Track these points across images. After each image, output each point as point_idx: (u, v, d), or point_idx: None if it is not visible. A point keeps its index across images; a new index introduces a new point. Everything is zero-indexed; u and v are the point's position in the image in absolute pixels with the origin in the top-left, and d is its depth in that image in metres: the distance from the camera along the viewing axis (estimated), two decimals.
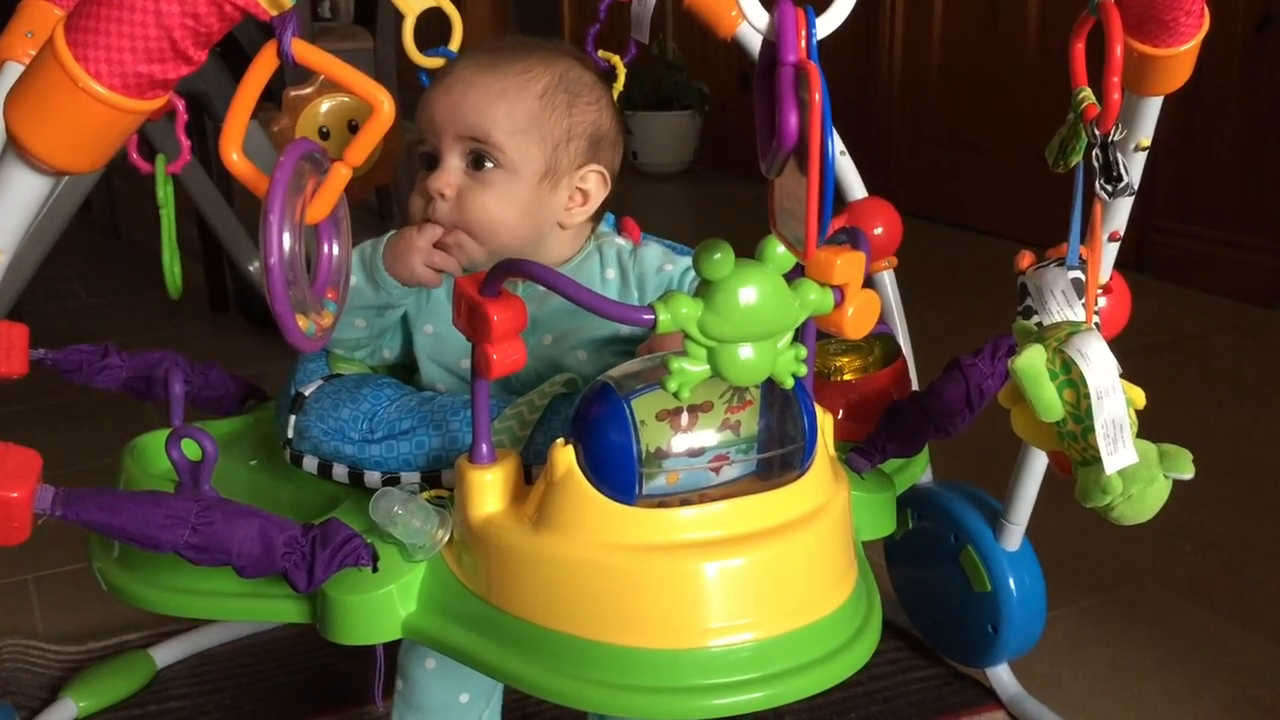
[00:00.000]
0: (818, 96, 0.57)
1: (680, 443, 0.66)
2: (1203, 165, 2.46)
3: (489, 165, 0.86)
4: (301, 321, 0.61)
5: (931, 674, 1.19)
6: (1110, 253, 0.92)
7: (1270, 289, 2.34)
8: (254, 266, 2.21)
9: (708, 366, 0.61)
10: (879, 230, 1.12)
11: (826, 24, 0.64)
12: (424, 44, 0.93)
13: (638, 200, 3.57)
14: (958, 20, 3.06)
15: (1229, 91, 2.38)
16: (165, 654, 1.23)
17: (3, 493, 0.62)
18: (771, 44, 0.62)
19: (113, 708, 1.16)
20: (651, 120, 3.86)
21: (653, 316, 0.60)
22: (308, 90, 1.02)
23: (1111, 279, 0.93)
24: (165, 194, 1.08)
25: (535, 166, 0.87)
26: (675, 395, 0.61)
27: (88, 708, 1.15)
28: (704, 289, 0.61)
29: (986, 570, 1.08)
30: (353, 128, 1.02)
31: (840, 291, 0.65)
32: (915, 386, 1.18)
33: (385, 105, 0.57)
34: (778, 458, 0.69)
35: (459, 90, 0.87)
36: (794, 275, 0.65)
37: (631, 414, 0.65)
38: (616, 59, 1.11)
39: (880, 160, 3.22)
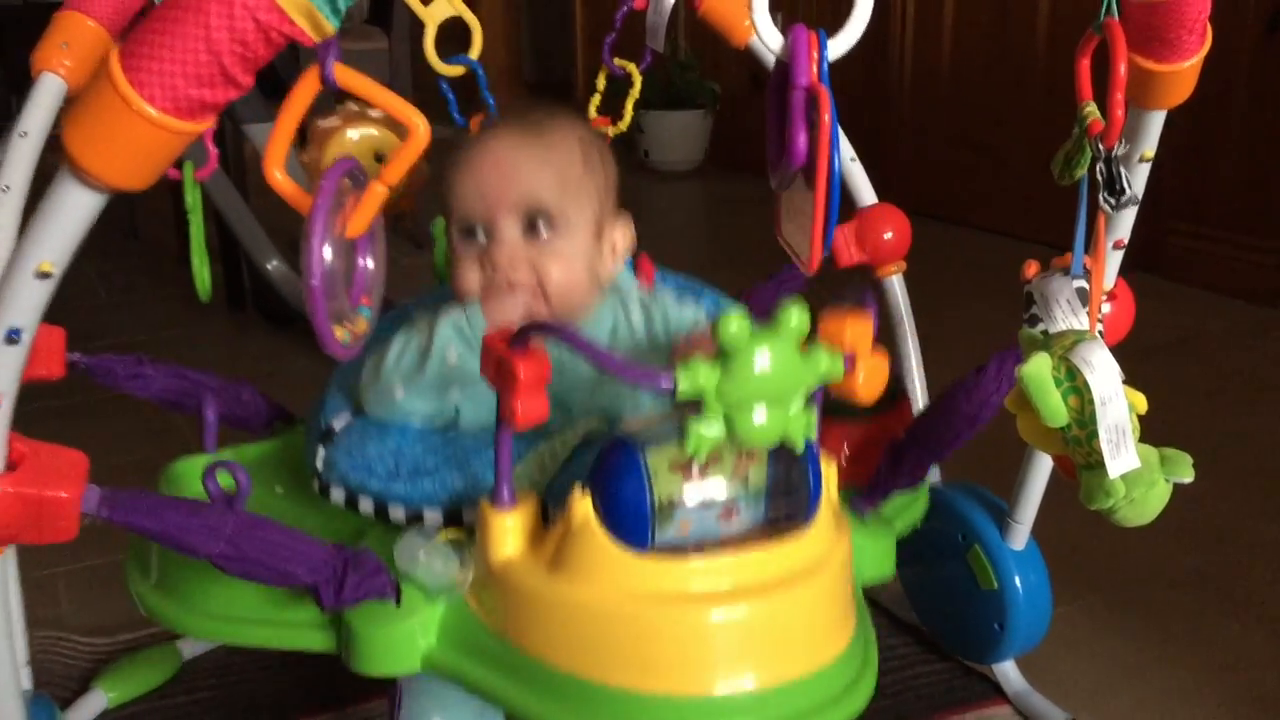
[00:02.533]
0: (827, 118, 0.59)
1: (692, 493, 0.69)
2: (1212, 165, 2.47)
3: (547, 230, 0.86)
4: (338, 331, 0.63)
5: (938, 669, 1.21)
6: (1115, 260, 0.93)
7: (1278, 289, 2.36)
8: (272, 265, 2.22)
9: (724, 430, 0.63)
10: (889, 235, 1.14)
11: (838, 46, 0.66)
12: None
13: (649, 198, 3.58)
14: (968, 22, 3.07)
15: (1238, 92, 2.39)
16: (191, 646, 1.26)
17: (53, 492, 0.65)
18: (784, 63, 0.65)
19: (141, 699, 1.19)
20: (663, 119, 3.88)
21: (672, 385, 0.62)
22: (334, 121, 1.04)
23: (1116, 285, 0.95)
24: (194, 199, 1.11)
25: (590, 224, 0.88)
26: (693, 457, 0.64)
27: (117, 698, 1.18)
28: (721, 356, 0.63)
29: (993, 568, 1.09)
30: (378, 159, 1.04)
31: (851, 358, 0.67)
32: (921, 393, 1.19)
33: (421, 127, 0.60)
34: (784, 508, 0.72)
35: (508, 160, 0.86)
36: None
37: (646, 466, 0.68)
38: (632, 67, 1.14)
39: (890, 160, 3.23)
